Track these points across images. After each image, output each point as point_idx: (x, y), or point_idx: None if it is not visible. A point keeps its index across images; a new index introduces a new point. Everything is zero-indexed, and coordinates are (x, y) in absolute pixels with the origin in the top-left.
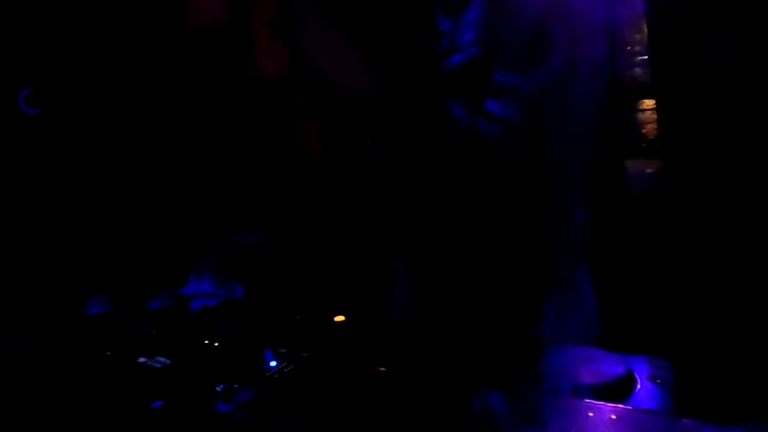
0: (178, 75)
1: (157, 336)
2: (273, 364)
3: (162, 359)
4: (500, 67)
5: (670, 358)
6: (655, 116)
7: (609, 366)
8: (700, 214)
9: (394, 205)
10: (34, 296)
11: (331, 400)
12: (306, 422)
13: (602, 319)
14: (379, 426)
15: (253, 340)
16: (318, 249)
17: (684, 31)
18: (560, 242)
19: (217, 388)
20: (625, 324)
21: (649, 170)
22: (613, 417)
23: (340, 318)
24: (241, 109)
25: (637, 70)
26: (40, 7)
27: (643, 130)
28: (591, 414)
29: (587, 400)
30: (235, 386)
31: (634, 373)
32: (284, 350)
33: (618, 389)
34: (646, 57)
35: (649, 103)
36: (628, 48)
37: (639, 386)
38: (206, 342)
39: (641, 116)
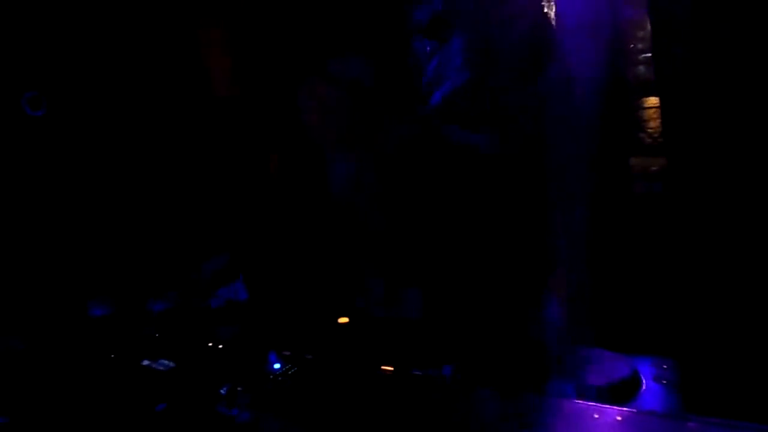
0: (180, 80)
1: (161, 338)
2: (277, 366)
3: (165, 362)
4: (498, 85)
5: (675, 359)
6: (658, 114)
7: (614, 367)
8: (705, 212)
9: (397, 215)
10: (37, 299)
11: (335, 402)
12: (310, 425)
13: (606, 319)
14: (383, 428)
15: (257, 342)
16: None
17: (687, 28)
18: (563, 242)
19: (221, 391)
20: (629, 324)
21: (653, 168)
22: (619, 419)
23: (344, 319)
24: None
25: (641, 68)
26: (43, 9)
27: (647, 128)
28: (596, 416)
29: (592, 403)
30: (239, 389)
31: (640, 374)
32: (288, 352)
33: (623, 390)
34: (649, 55)
35: (652, 101)
36: (631, 46)
37: (644, 387)
38: (210, 344)
39: (645, 114)
